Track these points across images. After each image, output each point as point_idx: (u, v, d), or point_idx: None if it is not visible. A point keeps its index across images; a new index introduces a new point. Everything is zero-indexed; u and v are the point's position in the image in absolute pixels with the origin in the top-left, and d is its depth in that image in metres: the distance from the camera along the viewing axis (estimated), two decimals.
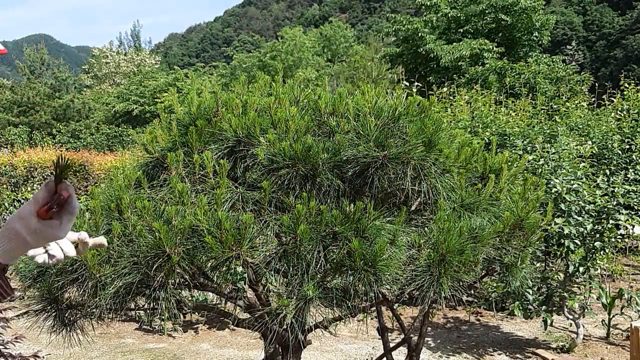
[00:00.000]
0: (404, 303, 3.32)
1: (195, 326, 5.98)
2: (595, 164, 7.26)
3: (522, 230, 2.61)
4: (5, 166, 11.90)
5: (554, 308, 5.24)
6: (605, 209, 5.28)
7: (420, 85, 11.22)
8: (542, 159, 5.61)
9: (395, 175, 2.53)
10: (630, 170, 7.10)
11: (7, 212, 7.82)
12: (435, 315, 6.29)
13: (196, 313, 6.27)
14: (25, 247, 1.11)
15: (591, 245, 5.19)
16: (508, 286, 4.75)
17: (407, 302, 2.90)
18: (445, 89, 10.55)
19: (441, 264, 2.35)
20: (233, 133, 2.64)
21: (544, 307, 5.16)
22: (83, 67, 45.68)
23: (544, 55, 22.29)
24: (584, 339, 5.40)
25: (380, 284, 2.30)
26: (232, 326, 5.93)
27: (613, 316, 5.60)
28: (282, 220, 2.29)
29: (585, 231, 5.10)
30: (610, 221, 5.22)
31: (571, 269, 5.11)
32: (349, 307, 2.42)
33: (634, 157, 7.51)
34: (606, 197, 5.35)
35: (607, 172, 6.61)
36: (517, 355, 5.20)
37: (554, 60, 21.36)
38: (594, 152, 7.13)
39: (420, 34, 21.70)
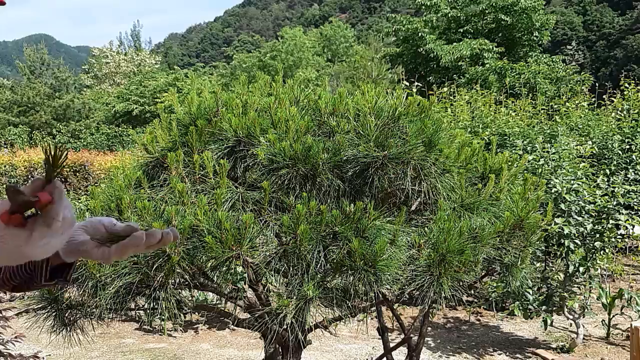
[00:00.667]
0: (404, 303, 3.33)
1: (195, 326, 5.98)
2: (595, 164, 7.26)
3: (522, 230, 2.62)
4: (5, 166, 11.91)
5: (554, 308, 5.24)
6: (605, 209, 5.28)
7: (420, 85, 11.22)
8: (542, 159, 5.61)
9: (395, 175, 2.53)
10: (630, 170, 7.10)
11: None
12: (435, 315, 6.29)
13: (196, 313, 6.27)
14: None
15: (591, 245, 5.19)
16: (508, 286, 4.76)
17: (407, 302, 2.90)
18: (445, 89, 10.55)
19: (441, 264, 2.35)
20: (233, 133, 2.64)
21: (544, 307, 5.16)
22: (83, 67, 45.68)
23: (544, 55, 22.29)
24: (584, 339, 5.40)
25: (380, 284, 2.30)
26: (232, 326, 5.93)
27: (613, 316, 5.60)
28: (282, 220, 2.29)
29: (585, 231, 5.10)
30: (610, 221, 5.22)
31: (571, 269, 5.11)
32: (349, 307, 2.42)
33: (634, 157, 7.51)
34: (606, 197, 5.35)
35: (607, 172, 6.61)
36: (517, 355, 5.20)
37: (554, 60, 21.35)
38: (594, 152, 7.13)
39: (420, 34, 21.70)
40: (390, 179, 2.55)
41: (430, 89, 11.65)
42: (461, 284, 2.49)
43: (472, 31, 22.48)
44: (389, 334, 4.23)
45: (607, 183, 5.71)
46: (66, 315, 2.52)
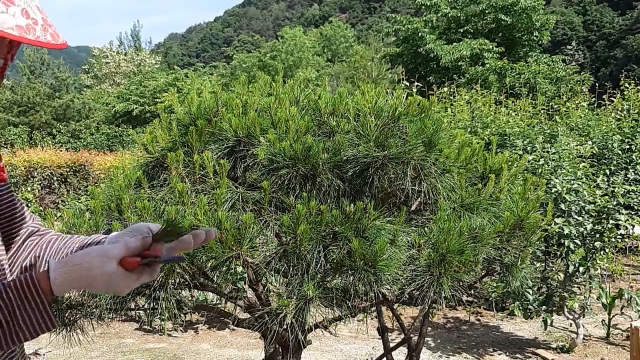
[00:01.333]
0: (404, 303, 3.33)
1: (195, 326, 5.98)
2: (595, 164, 7.26)
3: (522, 230, 2.61)
4: (5, 166, 11.91)
5: (554, 308, 5.24)
6: (605, 209, 5.28)
7: (420, 85, 11.22)
8: (542, 159, 5.61)
9: (395, 175, 2.53)
10: (630, 170, 7.10)
11: None
12: (435, 315, 6.29)
13: (196, 313, 6.27)
14: (89, 285, 1.00)
15: (591, 245, 5.19)
16: (508, 286, 4.76)
17: (407, 302, 2.90)
18: (445, 89, 10.55)
19: (441, 264, 2.35)
20: (233, 133, 2.64)
21: (544, 307, 5.16)
22: (83, 67, 45.68)
23: (544, 55, 22.29)
24: (584, 339, 5.40)
25: (380, 284, 2.30)
26: (232, 326, 5.93)
27: (613, 316, 5.60)
28: (282, 220, 2.29)
29: (585, 231, 5.10)
30: (610, 221, 5.22)
31: (571, 269, 5.11)
32: (349, 307, 2.42)
33: (634, 157, 7.51)
34: (606, 197, 5.35)
35: (607, 172, 6.60)
36: (517, 355, 5.20)
37: (554, 60, 21.35)
38: (594, 152, 7.13)
39: (420, 34, 21.71)
40: (390, 179, 2.55)
41: (430, 89, 11.65)
42: (461, 284, 2.49)
43: (472, 31, 22.48)
44: (389, 334, 4.23)
45: (607, 183, 5.71)
46: (66, 315, 2.52)
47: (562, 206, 5.07)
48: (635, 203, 6.08)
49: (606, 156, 7.73)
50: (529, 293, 5.19)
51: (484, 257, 2.55)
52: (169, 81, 30.43)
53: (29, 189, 11.21)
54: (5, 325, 0.96)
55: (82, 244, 1.22)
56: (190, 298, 4.37)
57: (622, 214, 5.32)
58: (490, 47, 20.61)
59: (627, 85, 9.49)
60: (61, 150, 15.59)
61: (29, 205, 8.39)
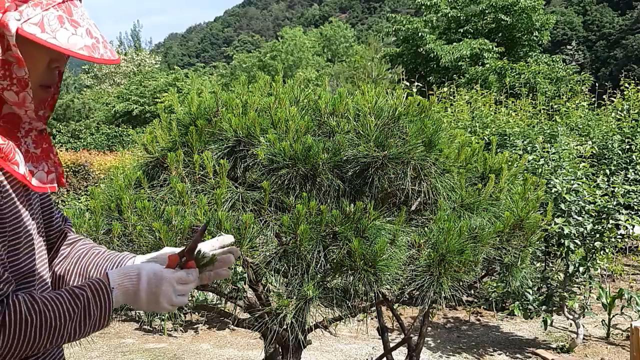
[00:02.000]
0: (404, 303, 3.33)
1: (195, 326, 5.98)
2: (595, 164, 7.25)
3: (522, 230, 2.61)
4: None
5: (554, 308, 5.24)
6: (605, 209, 5.28)
7: (421, 85, 11.22)
8: (542, 159, 5.61)
9: (395, 175, 2.53)
10: (630, 170, 7.10)
11: None
12: (435, 315, 6.29)
13: (196, 313, 6.27)
14: (136, 299, 1.16)
15: (591, 245, 5.19)
16: (508, 286, 4.76)
17: (407, 302, 2.90)
18: (445, 89, 10.54)
19: (441, 264, 2.35)
20: (233, 133, 2.64)
21: (544, 307, 5.16)
22: (83, 67, 45.66)
23: (544, 55, 22.29)
24: (584, 339, 5.40)
25: (380, 284, 2.30)
26: (232, 326, 5.93)
27: (613, 316, 5.59)
28: (282, 220, 2.29)
29: (585, 231, 5.09)
30: (610, 221, 5.21)
31: (571, 269, 5.11)
32: (349, 307, 2.42)
33: (634, 157, 7.50)
34: (606, 197, 5.34)
35: (607, 172, 6.60)
36: (517, 355, 5.20)
37: (554, 60, 21.34)
38: (594, 152, 7.13)
39: (420, 34, 21.70)
40: (390, 179, 2.55)
41: (430, 89, 11.65)
42: (461, 284, 2.49)
43: (472, 31, 22.48)
44: (389, 334, 4.23)
45: (607, 183, 5.71)
46: None
47: (562, 206, 5.07)
48: (635, 203, 6.07)
49: (606, 156, 7.73)
50: (529, 293, 5.19)
51: (484, 257, 2.55)
52: (169, 81, 30.43)
53: None
54: (77, 322, 1.08)
55: (112, 262, 1.32)
56: (190, 298, 4.37)
57: (622, 214, 5.32)
58: (490, 47, 20.60)
59: (627, 85, 9.49)
60: (61, 150, 15.59)
61: None
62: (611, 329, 5.61)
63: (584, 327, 5.35)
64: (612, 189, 5.53)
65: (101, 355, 5.22)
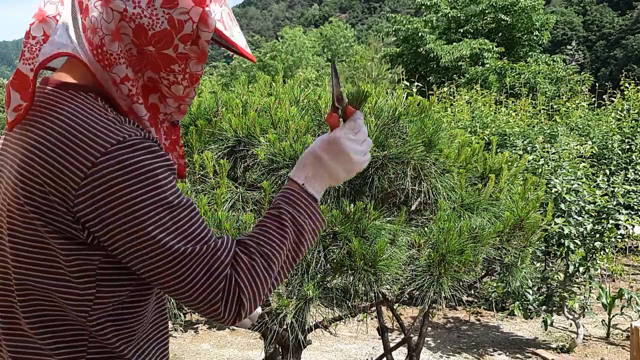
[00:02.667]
0: (404, 303, 3.33)
1: (195, 326, 5.98)
2: (595, 164, 7.26)
3: (522, 230, 2.62)
4: None
5: (554, 308, 5.24)
6: (605, 209, 5.28)
7: (420, 85, 11.23)
8: (542, 159, 5.61)
9: (395, 175, 2.54)
10: (630, 170, 7.10)
11: None
12: (435, 315, 6.29)
13: (196, 313, 6.26)
14: (326, 171, 1.09)
15: (591, 245, 5.19)
16: (508, 286, 4.76)
17: (407, 302, 2.91)
18: (445, 89, 10.55)
19: (441, 264, 2.35)
20: (233, 133, 2.65)
21: (544, 307, 5.16)
22: None
23: (544, 55, 22.29)
24: (584, 339, 5.40)
25: (380, 284, 2.30)
26: (232, 326, 5.92)
27: (613, 316, 5.59)
28: None
29: (585, 231, 5.09)
30: (610, 221, 5.21)
31: (571, 269, 5.11)
32: (349, 307, 2.42)
33: (634, 157, 7.51)
34: (606, 197, 5.34)
35: (607, 172, 6.60)
36: (517, 355, 5.20)
37: (554, 60, 21.34)
38: (594, 152, 7.13)
39: (420, 34, 21.71)
40: (390, 179, 2.55)
41: (430, 89, 11.66)
42: (461, 284, 2.50)
43: (472, 31, 22.49)
44: (389, 334, 4.23)
45: (607, 183, 5.71)
46: None
47: (562, 206, 5.07)
48: (635, 203, 6.07)
49: (606, 156, 7.73)
50: (529, 293, 5.18)
51: (484, 257, 2.55)
52: None
53: None
54: (295, 242, 1.04)
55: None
56: None
57: (622, 214, 5.32)
58: (490, 47, 20.61)
59: (627, 85, 9.49)
60: None
61: None
62: (611, 329, 5.61)
63: (584, 327, 5.35)
64: (612, 189, 5.53)
65: None
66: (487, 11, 22.12)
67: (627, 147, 7.90)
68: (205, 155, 2.52)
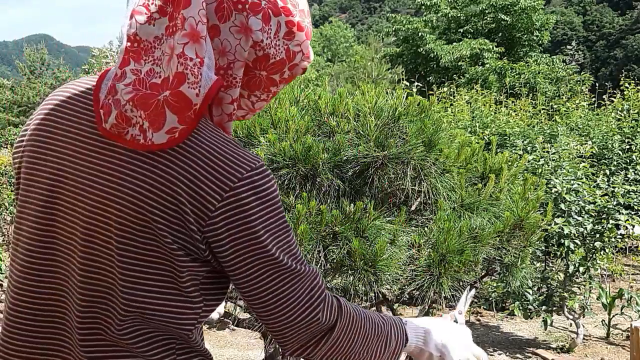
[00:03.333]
0: (404, 303, 3.33)
1: None
2: (595, 164, 7.25)
3: (522, 230, 2.61)
4: (5, 166, 11.91)
5: (554, 308, 5.24)
6: (605, 209, 5.28)
7: (421, 85, 11.23)
8: (542, 159, 5.61)
9: (395, 175, 2.54)
10: (631, 170, 7.10)
11: (7, 212, 7.79)
12: (435, 315, 6.29)
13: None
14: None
15: (591, 245, 5.19)
16: (508, 286, 4.75)
17: (407, 302, 2.90)
18: (445, 89, 10.56)
19: (441, 264, 2.35)
20: (233, 133, 2.65)
21: (544, 307, 5.16)
22: (83, 67, 45.61)
23: (544, 55, 22.30)
24: (584, 339, 5.40)
25: (380, 284, 2.30)
26: (232, 326, 5.92)
27: (613, 316, 5.59)
28: None
29: (585, 231, 5.09)
30: (610, 221, 5.21)
31: (571, 269, 5.11)
32: None
33: (634, 157, 7.50)
34: (606, 197, 5.34)
35: (607, 172, 6.60)
36: (517, 355, 5.20)
37: (554, 60, 21.35)
38: (594, 152, 7.13)
39: (420, 34, 21.74)
40: (390, 179, 2.55)
41: (430, 89, 11.66)
42: (461, 284, 2.49)
43: (472, 31, 22.50)
44: None
45: (607, 183, 5.71)
46: None
47: (562, 206, 5.07)
48: (635, 203, 6.07)
49: (606, 156, 7.73)
50: (529, 293, 5.18)
51: (484, 257, 2.55)
52: None
53: None
54: (378, 344, 1.11)
55: None
56: None
57: (622, 214, 5.32)
58: (490, 47, 20.62)
59: (627, 85, 9.49)
60: None
61: None
62: (611, 329, 5.61)
63: (584, 327, 5.35)
64: (612, 189, 5.53)
65: None
66: (487, 11, 22.14)
67: (627, 147, 7.90)
68: None
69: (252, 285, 0.99)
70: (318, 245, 2.31)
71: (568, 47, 40.75)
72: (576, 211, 5.10)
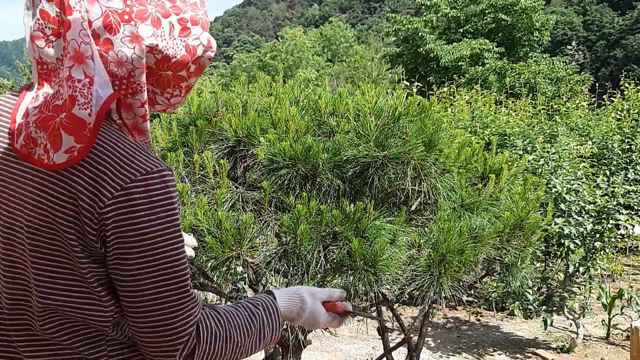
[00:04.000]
0: (404, 303, 3.33)
1: None
2: (595, 164, 7.25)
3: (522, 230, 2.61)
4: None
5: (554, 308, 5.24)
6: (605, 209, 5.28)
7: (421, 85, 11.22)
8: (542, 159, 5.61)
9: (395, 175, 2.53)
10: (630, 170, 7.10)
11: None
12: (435, 315, 6.29)
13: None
14: (296, 316, 1.23)
15: (591, 245, 5.19)
16: (508, 286, 4.76)
17: (407, 302, 2.90)
18: (445, 89, 10.55)
19: (441, 264, 2.35)
20: (233, 133, 2.65)
21: (544, 307, 5.16)
22: None
23: (544, 55, 22.29)
24: (584, 339, 5.40)
25: (380, 284, 2.30)
26: None
27: (613, 316, 5.59)
28: (282, 220, 2.29)
29: (585, 231, 5.09)
30: (610, 221, 5.21)
31: (571, 269, 5.11)
32: None
33: (634, 157, 7.50)
34: (606, 197, 5.34)
35: (607, 172, 6.60)
36: (517, 355, 5.20)
37: (554, 60, 21.34)
38: (594, 152, 7.13)
39: (420, 34, 21.71)
40: (390, 179, 2.55)
41: (430, 89, 11.66)
42: (461, 284, 2.50)
43: (472, 31, 22.48)
44: (389, 334, 4.23)
45: (607, 183, 5.71)
46: None
47: (562, 206, 5.07)
48: (635, 203, 6.07)
49: (606, 156, 7.73)
50: (529, 293, 5.18)
51: (484, 257, 2.55)
52: None
53: None
54: (254, 340, 1.14)
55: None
56: None
57: (622, 214, 5.32)
58: (490, 47, 20.60)
59: (627, 85, 9.49)
60: None
61: None
62: (611, 329, 5.61)
63: (584, 327, 5.35)
64: (612, 189, 5.53)
65: None
66: (487, 11, 22.12)
67: (627, 147, 7.90)
68: (205, 155, 2.52)
69: (129, 285, 1.00)
70: (318, 245, 2.31)
71: (568, 47, 40.76)
72: (576, 211, 5.10)
